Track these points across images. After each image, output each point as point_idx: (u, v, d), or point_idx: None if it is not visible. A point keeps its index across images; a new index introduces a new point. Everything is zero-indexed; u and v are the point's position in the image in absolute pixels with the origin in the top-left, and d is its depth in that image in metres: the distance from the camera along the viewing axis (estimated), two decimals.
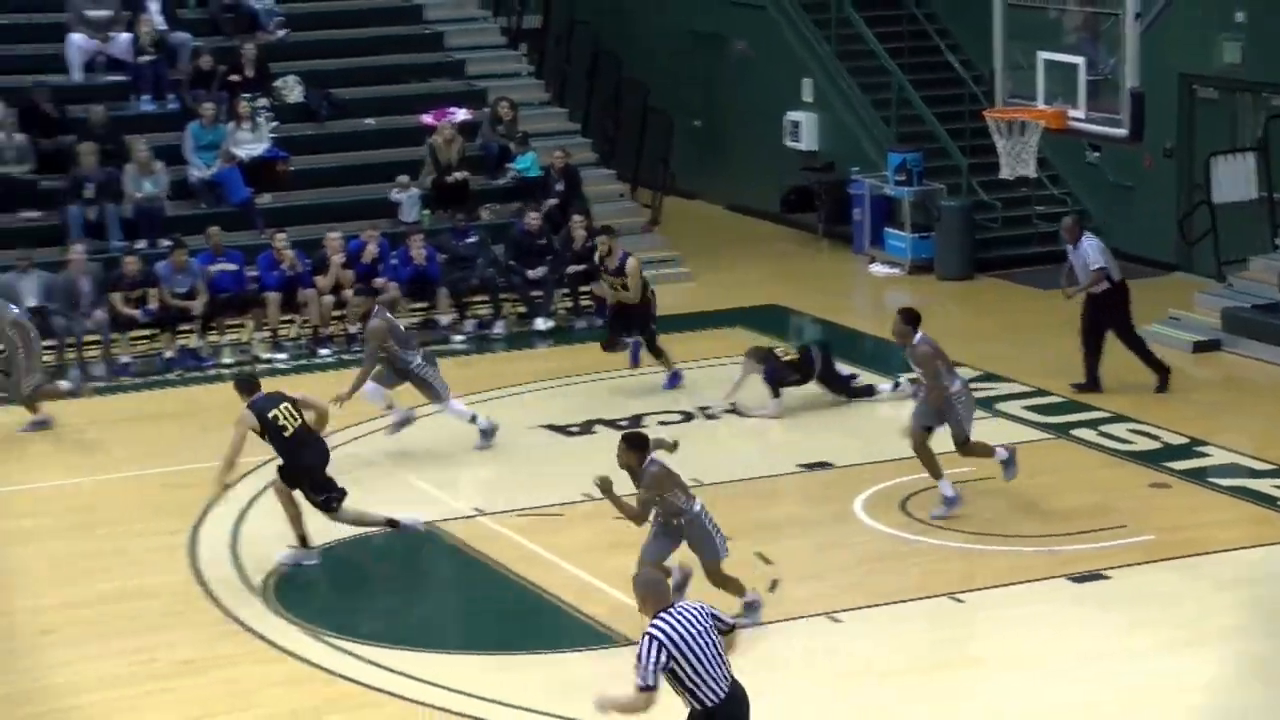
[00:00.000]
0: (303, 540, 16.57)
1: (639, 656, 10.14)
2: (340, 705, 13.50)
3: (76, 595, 15.83)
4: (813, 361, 20.98)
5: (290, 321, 24.60)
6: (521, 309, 25.46)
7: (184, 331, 24.11)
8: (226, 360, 23.61)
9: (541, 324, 25.16)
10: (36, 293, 23.34)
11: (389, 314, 20.32)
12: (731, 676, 10.40)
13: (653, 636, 10.16)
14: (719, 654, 10.33)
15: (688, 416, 20.87)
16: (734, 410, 20.89)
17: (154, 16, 28.40)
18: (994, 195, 28.06)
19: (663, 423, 20.09)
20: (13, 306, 21.95)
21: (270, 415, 16.24)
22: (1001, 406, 20.58)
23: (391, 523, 16.83)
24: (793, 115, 30.52)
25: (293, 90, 28.39)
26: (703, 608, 10.45)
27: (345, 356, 23.44)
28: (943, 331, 18.31)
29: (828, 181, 29.79)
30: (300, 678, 14.03)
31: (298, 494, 16.44)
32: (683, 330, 23.59)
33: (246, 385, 16.75)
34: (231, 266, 24.36)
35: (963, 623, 15.39)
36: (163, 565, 16.42)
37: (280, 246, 24.24)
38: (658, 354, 21.89)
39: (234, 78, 27.83)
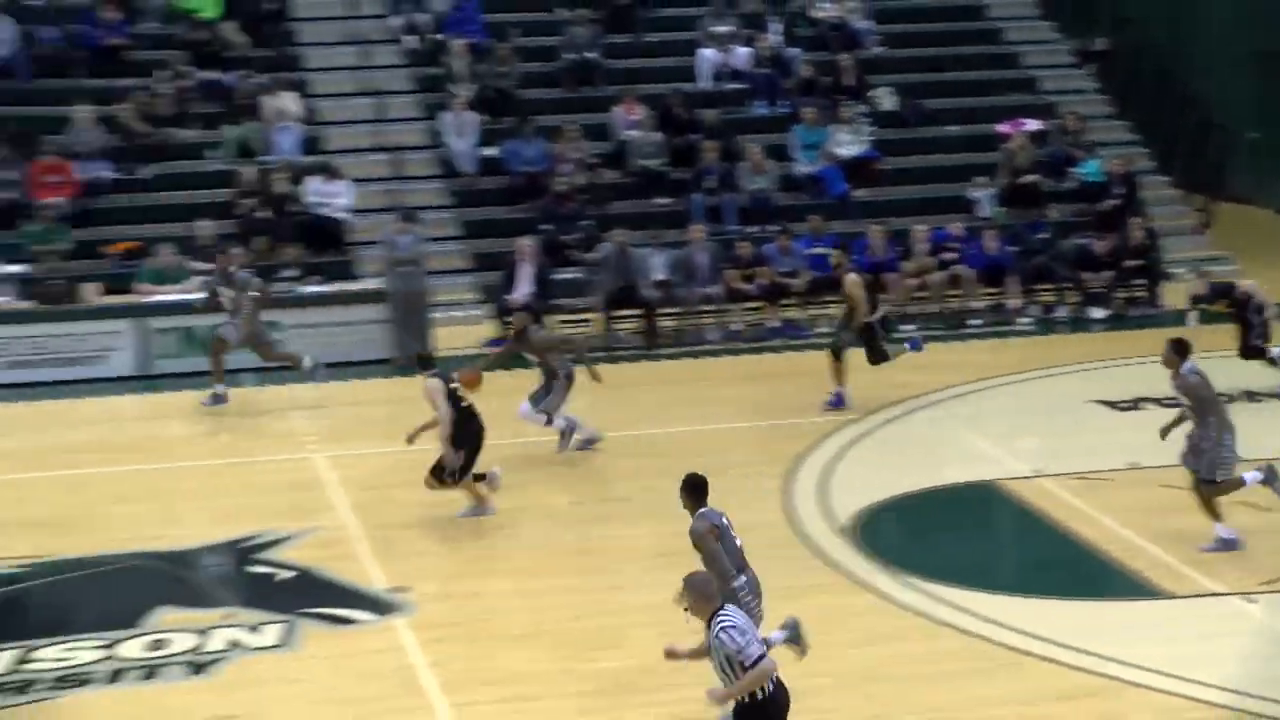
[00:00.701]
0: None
1: (734, 644, 9.59)
2: (909, 634, 13.63)
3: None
4: None
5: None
6: (1078, 298, 25.22)
7: (787, 305, 24.78)
8: (822, 330, 24.11)
9: (1098, 312, 24.86)
10: (663, 267, 24.26)
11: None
12: None
13: (729, 626, 9.68)
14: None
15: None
16: None
17: (771, 36, 29.20)
18: None
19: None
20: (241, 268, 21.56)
21: (453, 388, 16.17)
22: None
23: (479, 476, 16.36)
24: None
25: (886, 99, 28.70)
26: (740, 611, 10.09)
27: (925, 331, 23.71)
28: None
29: None
30: (877, 608, 14.22)
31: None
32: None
33: (427, 363, 16.51)
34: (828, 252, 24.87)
35: None
36: (762, 505, 16.77)
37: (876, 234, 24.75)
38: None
39: (835, 87, 28.38)
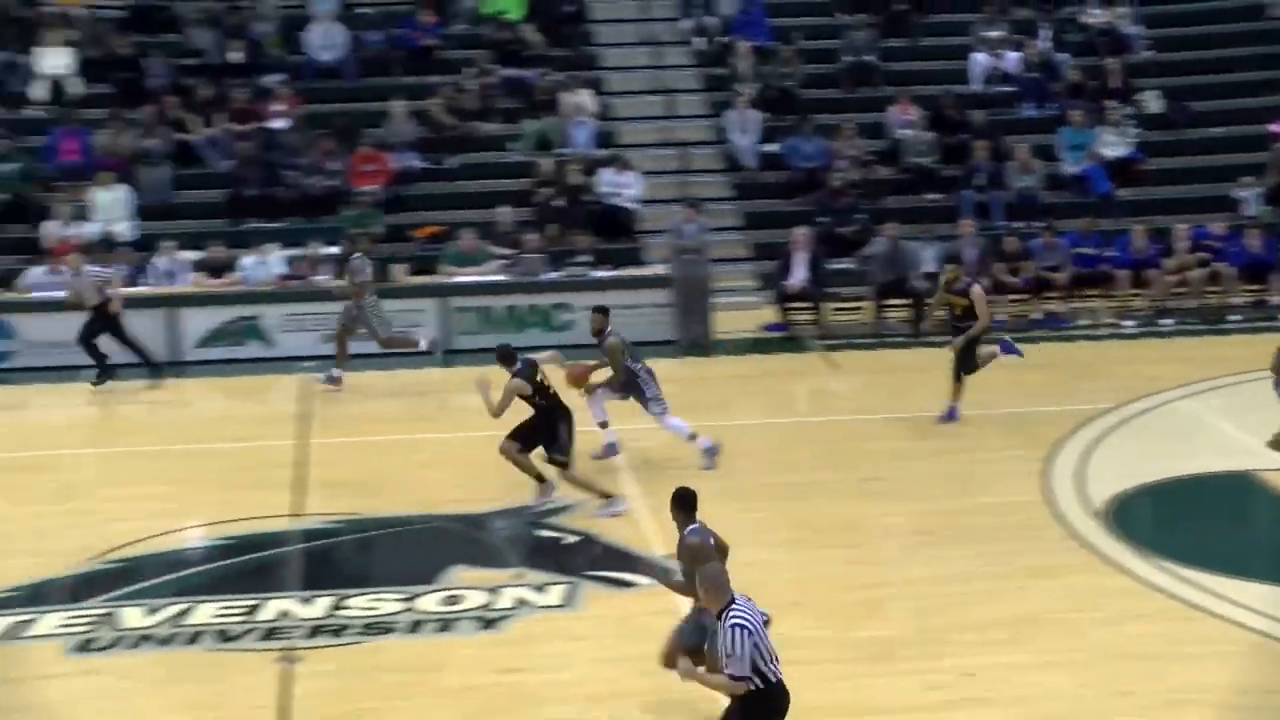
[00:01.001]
0: (540, 477, 16.16)
1: (733, 648, 9.24)
2: (1160, 616, 13.43)
3: (949, 505, 16.19)
4: None
5: (1137, 295, 24.58)
6: None
7: (1050, 298, 24.52)
8: (1083, 323, 23.82)
9: None
10: (933, 259, 24.15)
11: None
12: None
13: (740, 626, 9.27)
14: (771, 645, 9.52)
15: None
16: None
17: (1040, 42, 28.86)
18: None
19: None
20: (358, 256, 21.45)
21: (539, 380, 15.89)
22: None
23: (605, 494, 15.94)
24: None
25: (1153, 102, 28.13)
26: (755, 605, 9.60)
27: (1184, 326, 23.38)
28: None
29: None
30: (1129, 589, 14.01)
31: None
32: None
33: (509, 357, 15.99)
34: (1091, 250, 24.57)
35: None
36: (1022, 486, 16.64)
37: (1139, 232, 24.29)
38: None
39: (1102, 90, 27.91)
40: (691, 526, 11.16)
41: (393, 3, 29.35)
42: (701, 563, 10.12)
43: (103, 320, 20.93)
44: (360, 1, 29.24)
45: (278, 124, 26.15)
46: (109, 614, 13.83)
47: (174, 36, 27.84)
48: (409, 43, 28.30)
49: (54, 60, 26.48)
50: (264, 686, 12.35)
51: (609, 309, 17.40)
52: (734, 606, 9.36)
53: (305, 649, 13.02)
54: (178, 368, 22.32)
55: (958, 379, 18.74)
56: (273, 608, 13.83)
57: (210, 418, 20.68)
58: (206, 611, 13.80)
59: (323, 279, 23.15)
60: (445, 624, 13.51)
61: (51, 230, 23.83)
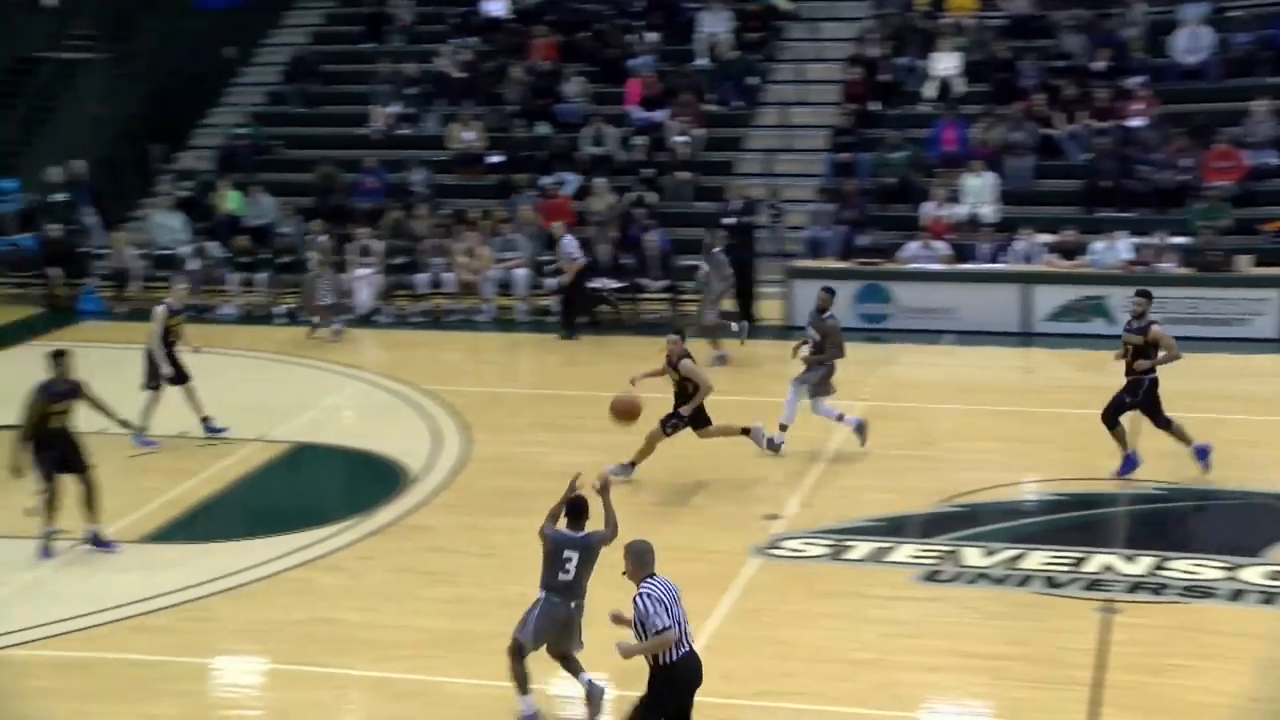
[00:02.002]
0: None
1: (645, 612, 9.80)
2: None
3: None
4: None
5: None
6: None
7: None
8: None
9: None
10: None
11: None
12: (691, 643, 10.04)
13: (647, 594, 9.89)
14: (685, 618, 10.04)
15: None
16: None
17: None
18: None
19: None
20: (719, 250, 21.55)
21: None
22: None
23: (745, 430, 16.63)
24: None
25: None
26: (670, 582, 10.08)
27: None
28: None
29: None
30: None
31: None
32: None
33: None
34: None
35: None
36: None
37: None
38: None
39: None
40: (562, 531, 11.41)
41: (1265, 4, 28.25)
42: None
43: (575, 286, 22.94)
44: (1231, 5, 28.40)
45: (1135, 122, 25.96)
46: (953, 551, 14.52)
47: (1046, 41, 28.16)
48: (1278, 43, 27.22)
49: (944, 63, 27.56)
50: (1082, 632, 12.64)
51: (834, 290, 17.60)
52: (647, 580, 9.95)
53: (1124, 602, 13.18)
54: (1027, 338, 22.78)
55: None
56: (1097, 561, 14.06)
57: (1054, 385, 20.99)
58: (1037, 559, 14.22)
59: (1166, 266, 22.92)
60: (1269, 597, 13.28)
61: (928, 210, 24.88)
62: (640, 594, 9.97)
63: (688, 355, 16.46)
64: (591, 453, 17.09)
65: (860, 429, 17.41)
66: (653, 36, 29.32)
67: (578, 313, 23.44)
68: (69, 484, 14.75)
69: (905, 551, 14.61)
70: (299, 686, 12.25)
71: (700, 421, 16.62)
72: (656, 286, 23.99)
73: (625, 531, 14.34)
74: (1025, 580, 13.80)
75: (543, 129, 27.92)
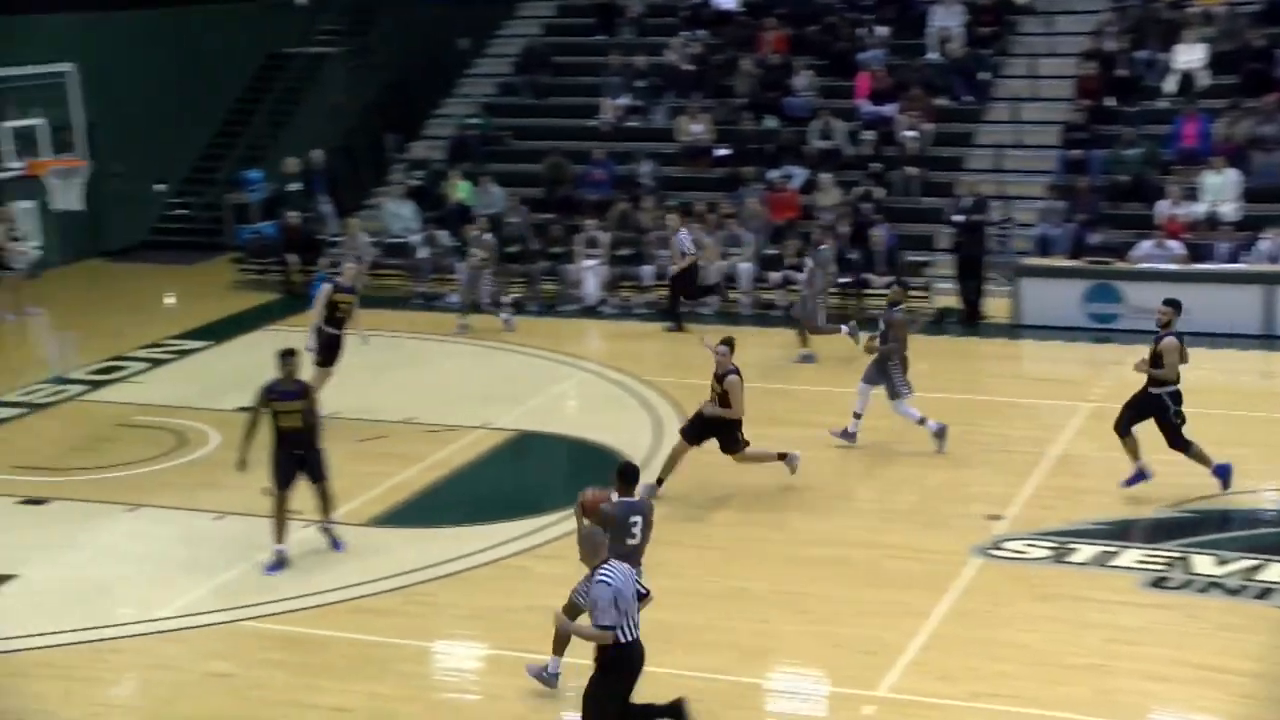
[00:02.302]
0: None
1: (595, 600, 10.07)
2: None
3: None
4: None
5: None
6: None
7: None
8: None
9: None
10: None
11: None
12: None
13: (602, 581, 10.09)
14: (637, 604, 10.38)
15: None
16: None
17: None
18: None
19: None
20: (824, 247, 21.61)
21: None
22: None
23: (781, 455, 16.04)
24: None
25: None
26: (630, 569, 10.44)
27: None
28: None
29: None
30: None
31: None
32: None
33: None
34: None
35: None
36: None
37: None
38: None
39: None
40: (621, 500, 11.57)
41: None
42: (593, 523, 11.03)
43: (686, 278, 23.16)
44: None
45: None
46: (1182, 558, 14.17)
47: None
48: None
49: (1188, 55, 26.79)
50: None
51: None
52: (603, 566, 10.13)
53: None
54: (1270, 341, 22.06)
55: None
56: None
57: None
58: (1278, 570, 13.77)
59: None
60: None
61: (1162, 209, 24.24)
62: (597, 580, 10.19)
63: (735, 371, 15.62)
64: (815, 447, 17.12)
65: (940, 434, 17.18)
66: (883, 30, 29.10)
67: (686, 302, 23.58)
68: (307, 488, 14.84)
69: (1131, 556, 14.32)
70: (516, 672, 12.48)
71: (732, 444, 15.94)
72: (881, 282, 23.82)
73: (844, 536, 14.42)
74: (1265, 593, 13.39)
75: (770, 122, 27.92)
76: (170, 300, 26.91)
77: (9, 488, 16.93)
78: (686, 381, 19.93)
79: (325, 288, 18.96)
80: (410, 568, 14.54)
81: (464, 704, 12.31)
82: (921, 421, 17.26)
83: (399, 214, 27.21)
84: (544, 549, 15.05)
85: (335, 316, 18.66)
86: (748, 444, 15.98)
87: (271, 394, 14.41)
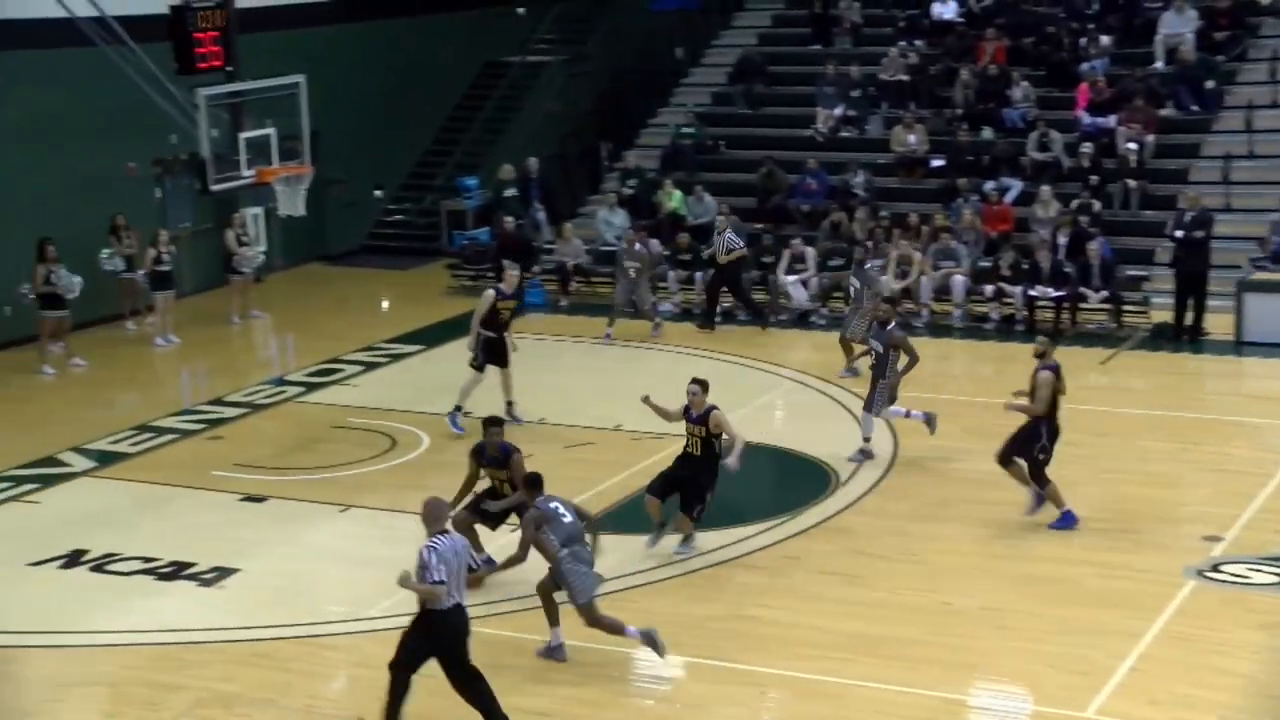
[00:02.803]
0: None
1: (425, 564, 11.17)
2: None
3: None
4: None
5: None
6: None
7: None
8: None
9: None
10: None
11: None
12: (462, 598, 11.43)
13: (430, 548, 11.25)
14: (463, 574, 11.48)
15: None
16: None
17: None
18: None
19: None
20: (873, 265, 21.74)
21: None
22: None
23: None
24: None
25: None
26: (464, 543, 11.74)
27: None
28: None
29: None
30: None
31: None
32: None
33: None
34: None
35: None
36: None
37: None
38: None
39: None
40: (538, 500, 12.91)
41: None
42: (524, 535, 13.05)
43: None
44: None
45: None
46: None
47: None
48: None
49: None
50: None
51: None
52: (436, 535, 11.30)
53: None
54: None
55: None
56: None
57: None
58: None
59: None
60: None
61: None
62: (427, 545, 11.30)
63: (715, 407, 15.08)
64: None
65: (929, 420, 17.54)
66: (1106, 39, 28.52)
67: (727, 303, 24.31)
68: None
69: None
70: (714, 680, 12.52)
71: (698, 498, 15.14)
72: (1097, 297, 23.35)
73: (1054, 553, 14.26)
74: None
75: (987, 133, 27.57)
76: (386, 305, 27.52)
77: (231, 485, 17.50)
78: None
79: (488, 293, 19.33)
80: (613, 574, 14.65)
81: (665, 712, 12.37)
82: (907, 414, 17.61)
83: (611, 222, 27.46)
84: (747, 559, 15.07)
85: (496, 321, 19.13)
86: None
87: (482, 459, 14.60)
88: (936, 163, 27.33)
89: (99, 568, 15.32)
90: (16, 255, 22.88)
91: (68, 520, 16.61)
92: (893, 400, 17.61)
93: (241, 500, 17.13)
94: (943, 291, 24.40)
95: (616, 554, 15.25)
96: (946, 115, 28.15)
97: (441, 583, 11.18)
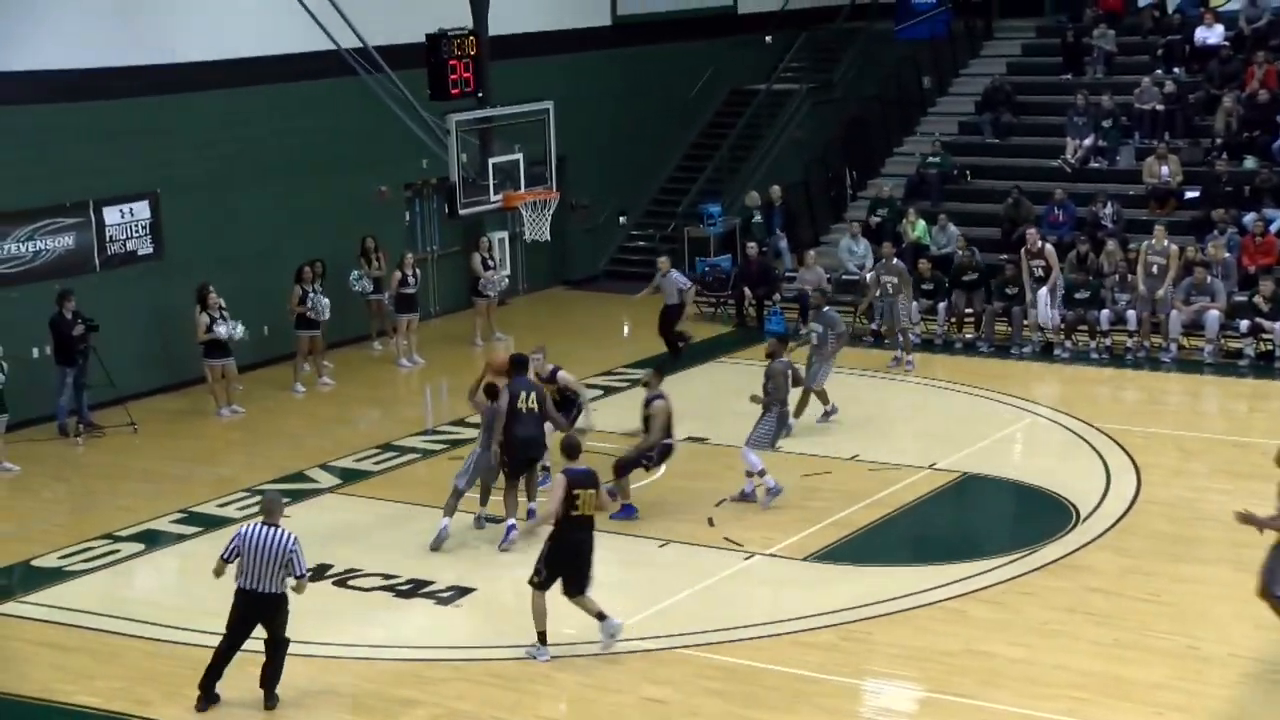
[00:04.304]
0: None
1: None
2: None
3: None
4: None
5: None
6: None
7: None
8: None
9: None
10: None
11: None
12: (275, 589, 12.56)
13: (239, 533, 12.67)
14: (271, 566, 12.52)
15: None
16: None
17: None
18: None
19: None
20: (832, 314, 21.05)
21: None
22: None
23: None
24: None
25: None
26: (287, 540, 12.66)
27: None
28: None
29: None
30: None
31: None
32: None
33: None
34: None
35: None
36: None
37: None
38: None
39: None
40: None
41: None
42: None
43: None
44: None
45: None
46: None
47: None
48: None
49: None
50: None
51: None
52: (256, 524, 12.72)
53: None
54: None
55: None
56: None
57: None
58: None
59: None
60: None
61: None
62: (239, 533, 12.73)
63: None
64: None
65: (772, 492, 17.21)
66: None
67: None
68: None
69: None
70: (947, 714, 12.35)
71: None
72: None
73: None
74: None
75: (1249, 163, 26.74)
76: (626, 330, 27.77)
77: (470, 504, 17.79)
78: (1148, 430, 19.37)
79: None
80: (848, 604, 14.58)
81: None
82: (761, 474, 17.22)
83: (853, 250, 27.32)
84: (983, 593, 14.85)
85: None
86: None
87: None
88: (1190, 194, 26.59)
89: (342, 582, 15.75)
90: (282, 277, 23.68)
91: (313, 534, 17.04)
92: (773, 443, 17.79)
93: (480, 520, 17.40)
94: (1194, 326, 23.71)
95: (855, 583, 15.18)
96: (1203, 145, 27.38)
97: (226, 560, 12.85)
